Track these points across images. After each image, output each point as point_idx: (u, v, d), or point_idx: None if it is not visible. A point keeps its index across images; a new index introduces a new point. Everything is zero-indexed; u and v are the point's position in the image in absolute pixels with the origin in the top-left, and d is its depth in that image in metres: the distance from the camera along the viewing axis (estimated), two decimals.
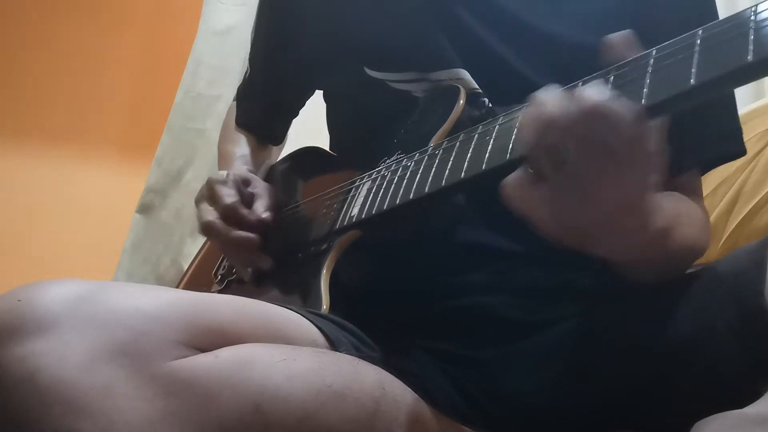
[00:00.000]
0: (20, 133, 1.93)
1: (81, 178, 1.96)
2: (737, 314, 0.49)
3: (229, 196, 0.76)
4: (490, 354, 0.66)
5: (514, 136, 0.50)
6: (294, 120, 1.03)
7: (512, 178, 0.47)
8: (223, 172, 0.80)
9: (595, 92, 0.43)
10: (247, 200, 0.79)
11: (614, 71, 0.46)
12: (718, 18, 0.51)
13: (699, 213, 0.66)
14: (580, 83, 0.48)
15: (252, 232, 0.76)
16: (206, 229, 0.77)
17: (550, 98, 0.45)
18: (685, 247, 0.57)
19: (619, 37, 0.47)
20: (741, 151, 0.71)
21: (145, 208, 1.72)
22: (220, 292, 0.85)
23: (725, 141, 0.70)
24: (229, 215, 0.76)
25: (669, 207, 0.54)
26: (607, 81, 0.46)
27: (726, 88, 0.41)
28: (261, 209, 0.78)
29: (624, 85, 0.45)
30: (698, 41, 0.42)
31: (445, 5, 0.72)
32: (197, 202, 0.80)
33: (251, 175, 0.83)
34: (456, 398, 0.64)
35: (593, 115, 0.43)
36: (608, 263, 0.56)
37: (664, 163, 0.46)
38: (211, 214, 0.76)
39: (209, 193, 0.78)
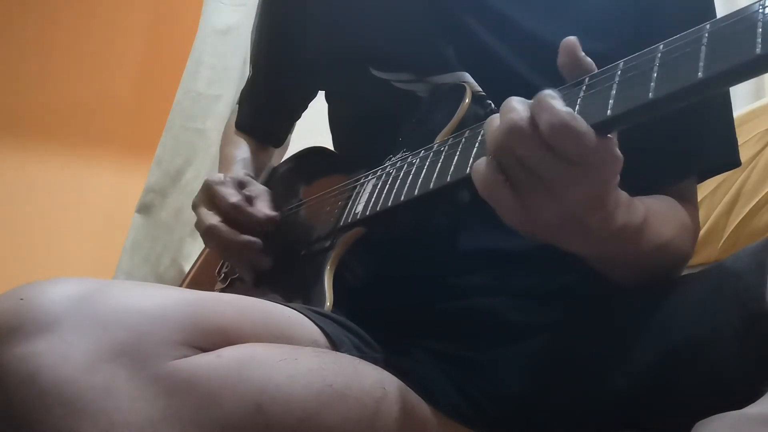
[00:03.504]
0: (20, 133, 1.93)
1: (81, 178, 1.96)
2: (739, 317, 0.48)
3: (232, 195, 0.76)
4: (489, 355, 0.66)
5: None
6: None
7: (479, 170, 0.49)
8: (221, 174, 0.79)
9: (556, 106, 0.45)
10: (246, 202, 0.79)
11: (622, 66, 0.47)
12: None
13: (680, 214, 0.66)
14: (587, 79, 0.48)
15: (258, 230, 0.76)
16: (209, 233, 0.76)
17: (516, 109, 0.47)
18: (655, 244, 0.58)
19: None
20: (736, 161, 0.71)
21: (144, 208, 1.72)
22: (223, 290, 0.85)
23: (722, 151, 0.71)
24: (234, 215, 0.75)
25: (638, 205, 0.55)
26: (614, 76, 0.46)
27: (734, 81, 0.41)
28: (266, 209, 0.77)
29: (632, 78, 0.45)
30: (706, 35, 0.42)
31: (447, 10, 0.72)
32: (195, 206, 0.80)
33: (247, 178, 0.83)
34: (456, 399, 0.64)
35: (557, 130, 0.44)
36: (583, 261, 0.58)
37: (620, 167, 0.48)
38: (212, 218, 0.76)
39: (208, 196, 0.78)
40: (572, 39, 0.49)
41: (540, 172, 0.46)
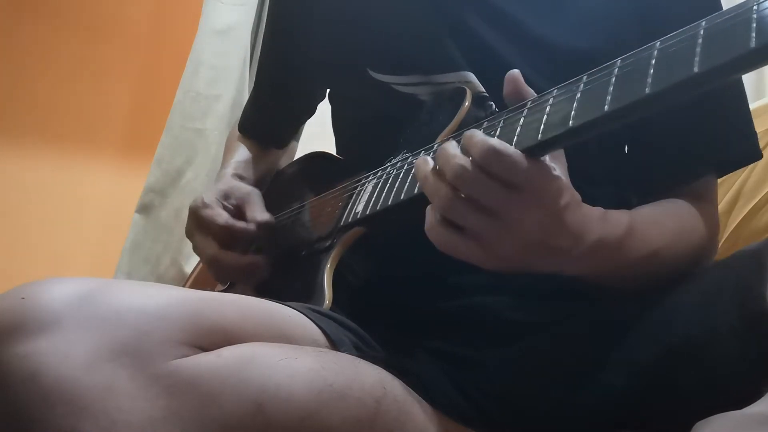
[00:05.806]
0: (20, 133, 1.93)
1: (81, 178, 1.96)
2: (739, 317, 0.48)
3: (218, 216, 0.76)
4: (490, 355, 0.66)
5: (516, 136, 0.50)
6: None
7: (432, 230, 0.51)
8: (201, 197, 0.79)
9: (482, 137, 0.47)
10: (235, 213, 0.79)
11: (619, 63, 0.47)
12: None
13: (681, 219, 0.65)
14: (585, 77, 0.48)
15: (255, 240, 0.76)
16: (211, 264, 0.76)
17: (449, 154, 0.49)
18: (645, 252, 0.58)
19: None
20: (756, 155, 0.70)
21: (144, 208, 1.72)
22: (224, 291, 0.85)
23: (740, 146, 0.70)
24: (225, 235, 0.75)
25: (618, 216, 0.56)
26: (612, 72, 0.46)
27: (730, 75, 0.42)
28: (257, 214, 0.77)
29: (629, 74, 0.45)
30: (701, 31, 0.42)
31: (451, 9, 0.72)
32: (189, 235, 0.79)
33: (230, 186, 0.82)
34: (456, 399, 0.64)
35: (489, 154, 0.46)
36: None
37: (568, 185, 0.50)
38: (211, 247, 0.76)
39: (198, 223, 0.78)
40: (516, 72, 0.53)
41: (487, 206, 0.48)
